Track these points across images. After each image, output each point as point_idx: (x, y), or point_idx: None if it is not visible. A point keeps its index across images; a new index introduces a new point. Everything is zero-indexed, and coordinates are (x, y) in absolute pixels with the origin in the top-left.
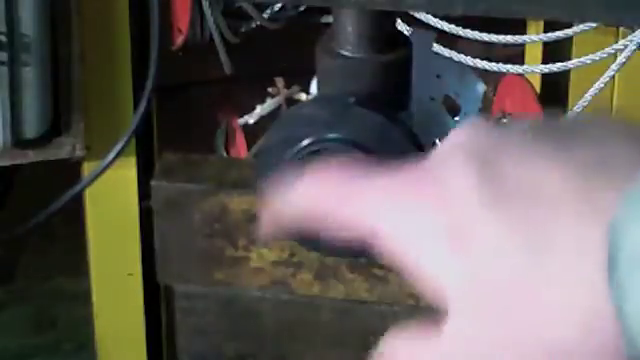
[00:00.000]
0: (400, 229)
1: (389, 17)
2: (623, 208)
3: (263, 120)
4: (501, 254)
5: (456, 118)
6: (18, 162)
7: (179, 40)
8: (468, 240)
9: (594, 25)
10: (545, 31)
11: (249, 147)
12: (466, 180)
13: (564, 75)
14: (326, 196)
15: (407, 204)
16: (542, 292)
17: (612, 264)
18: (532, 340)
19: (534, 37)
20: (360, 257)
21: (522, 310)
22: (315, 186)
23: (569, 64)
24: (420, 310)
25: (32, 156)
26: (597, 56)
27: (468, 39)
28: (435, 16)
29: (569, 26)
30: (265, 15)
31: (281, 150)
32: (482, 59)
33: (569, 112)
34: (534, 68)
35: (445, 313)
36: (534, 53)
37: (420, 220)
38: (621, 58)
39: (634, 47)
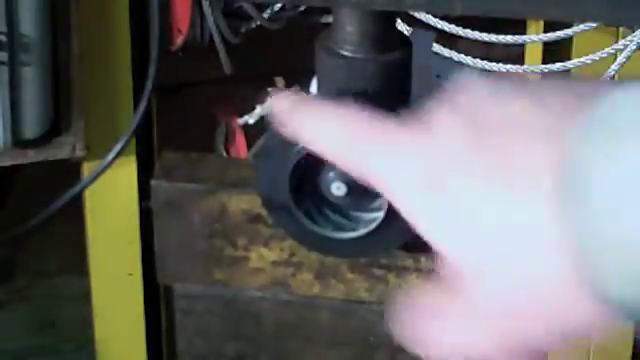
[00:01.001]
0: (388, 171)
1: (389, 17)
2: (583, 140)
3: (264, 120)
4: (471, 186)
5: None
6: (18, 162)
7: (179, 40)
8: (443, 178)
9: (594, 25)
10: (545, 31)
11: (249, 147)
12: (448, 127)
13: (564, 75)
14: (335, 132)
15: (396, 149)
16: (510, 215)
17: (573, 196)
18: (505, 265)
19: (534, 37)
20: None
21: (496, 236)
22: (333, 120)
23: (569, 64)
24: None
25: (32, 156)
26: (597, 56)
27: (468, 39)
28: (435, 16)
29: (569, 26)
30: (265, 15)
31: (281, 150)
32: (482, 59)
33: None
34: (534, 68)
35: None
36: (534, 53)
37: (404, 163)
38: (621, 58)
39: (634, 47)
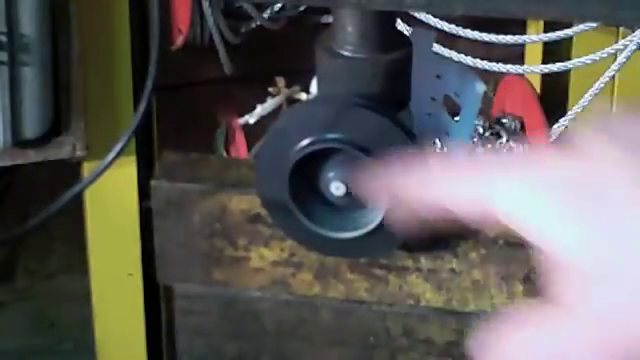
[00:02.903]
0: (525, 202)
1: (389, 17)
2: None
3: (264, 120)
4: (631, 216)
5: (456, 118)
6: (18, 162)
7: (179, 40)
8: (597, 208)
9: (594, 25)
10: (545, 31)
11: (250, 147)
12: (600, 152)
13: (564, 75)
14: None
15: (541, 177)
16: None
17: None
18: None
19: (534, 37)
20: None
21: None
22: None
23: (569, 64)
24: (421, 310)
25: (32, 156)
26: (597, 56)
27: (468, 39)
28: (435, 16)
29: (569, 26)
30: (265, 15)
31: (280, 150)
32: (482, 59)
33: (569, 113)
34: (534, 68)
35: (568, 287)
36: (534, 53)
37: (551, 192)
38: (621, 58)
39: (634, 47)
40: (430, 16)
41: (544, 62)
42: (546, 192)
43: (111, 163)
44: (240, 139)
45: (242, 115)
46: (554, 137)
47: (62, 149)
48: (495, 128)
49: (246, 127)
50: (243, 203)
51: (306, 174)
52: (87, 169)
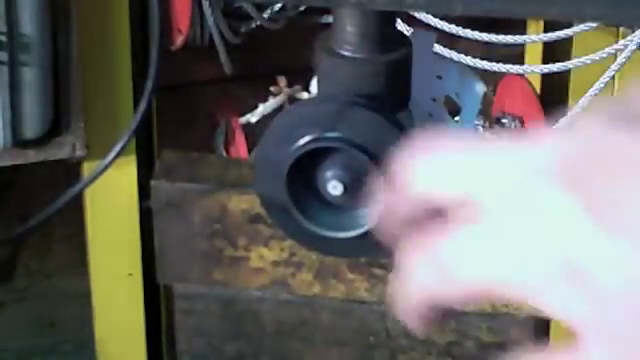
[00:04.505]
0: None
1: (389, 17)
2: None
3: (265, 119)
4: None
5: (456, 118)
6: (18, 162)
7: (179, 40)
8: (586, 177)
9: (594, 25)
10: (545, 31)
11: (250, 147)
12: (612, 135)
13: (564, 75)
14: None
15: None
16: None
17: None
18: None
19: (534, 37)
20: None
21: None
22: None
23: (569, 64)
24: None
25: (32, 156)
26: (597, 56)
27: (468, 39)
28: (435, 16)
29: (569, 26)
30: (265, 15)
31: (279, 149)
32: (482, 59)
33: (569, 113)
34: (534, 68)
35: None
36: (534, 53)
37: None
38: (621, 58)
39: (634, 47)
40: (430, 16)
41: (544, 62)
42: (545, 176)
43: (111, 163)
44: (240, 139)
45: (242, 115)
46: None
47: (62, 149)
48: (495, 128)
49: (248, 126)
50: (243, 203)
51: (304, 173)
52: (87, 169)
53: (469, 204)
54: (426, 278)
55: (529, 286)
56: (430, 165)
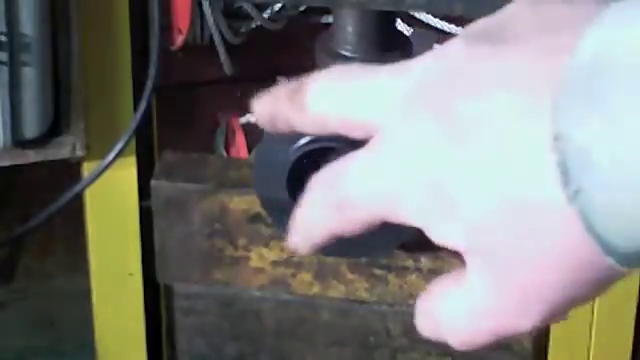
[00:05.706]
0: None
1: (389, 17)
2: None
3: None
4: (472, 99)
5: None
6: (18, 162)
7: (179, 40)
8: (441, 96)
9: None
10: None
11: (251, 146)
12: (443, 51)
13: None
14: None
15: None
16: (503, 124)
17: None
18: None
19: None
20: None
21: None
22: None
23: None
24: None
25: (32, 156)
26: None
27: None
28: (435, 16)
29: None
30: (265, 15)
31: (279, 148)
32: None
33: None
34: None
35: None
36: None
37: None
38: None
39: None
40: (430, 16)
41: None
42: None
43: (111, 163)
44: (240, 139)
45: (242, 115)
46: None
47: (62, 149)
48: None
49: (248, 126)
50: (243, 203)
51: (304, 173)
52: (87, 169)
53: (353, 128)
54: (326, 216)
55: (405, 209)
56: (319, 88)
